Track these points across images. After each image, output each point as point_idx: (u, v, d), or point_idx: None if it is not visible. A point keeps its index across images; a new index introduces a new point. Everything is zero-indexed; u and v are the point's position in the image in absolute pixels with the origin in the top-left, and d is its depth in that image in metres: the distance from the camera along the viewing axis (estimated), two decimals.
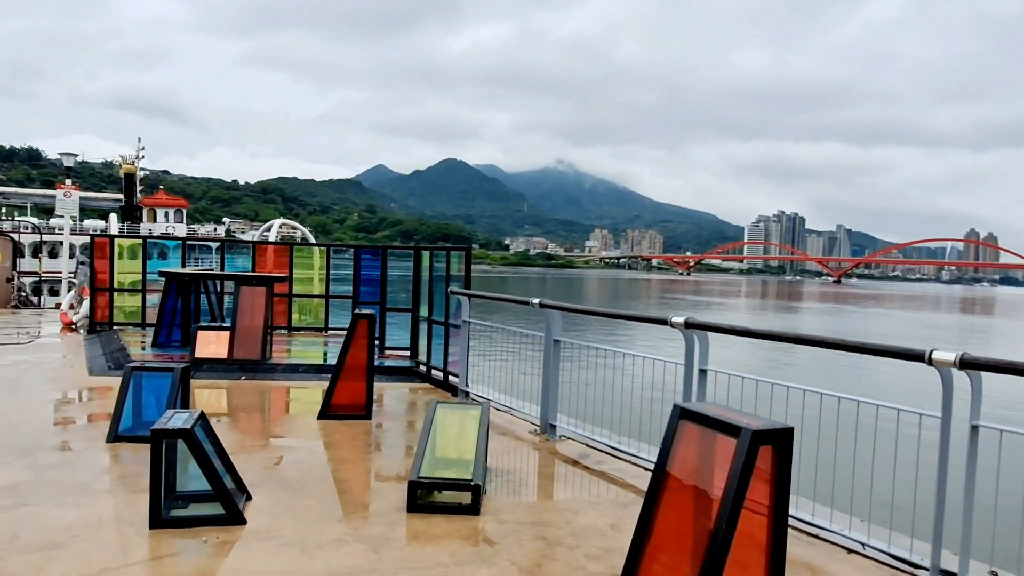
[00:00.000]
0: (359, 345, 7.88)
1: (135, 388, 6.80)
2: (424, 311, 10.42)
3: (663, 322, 5.87)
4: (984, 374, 4.00)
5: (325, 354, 12.25)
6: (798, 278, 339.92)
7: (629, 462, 6.57)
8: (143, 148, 60.54)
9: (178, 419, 4.82)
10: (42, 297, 30.35)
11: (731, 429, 3.09)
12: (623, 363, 6.99)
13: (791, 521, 3.97)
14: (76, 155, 19.25)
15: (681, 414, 3.37)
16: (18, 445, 6.28)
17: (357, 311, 7.97)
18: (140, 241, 14.19)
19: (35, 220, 53.75)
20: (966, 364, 3.95)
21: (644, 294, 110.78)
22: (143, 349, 11.28)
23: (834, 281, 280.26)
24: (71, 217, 20.17)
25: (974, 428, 4.05)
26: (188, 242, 14.90)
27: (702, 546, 3.15)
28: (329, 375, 9.90)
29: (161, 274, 12.03)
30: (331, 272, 14.11)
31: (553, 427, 7.45)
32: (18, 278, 25.75)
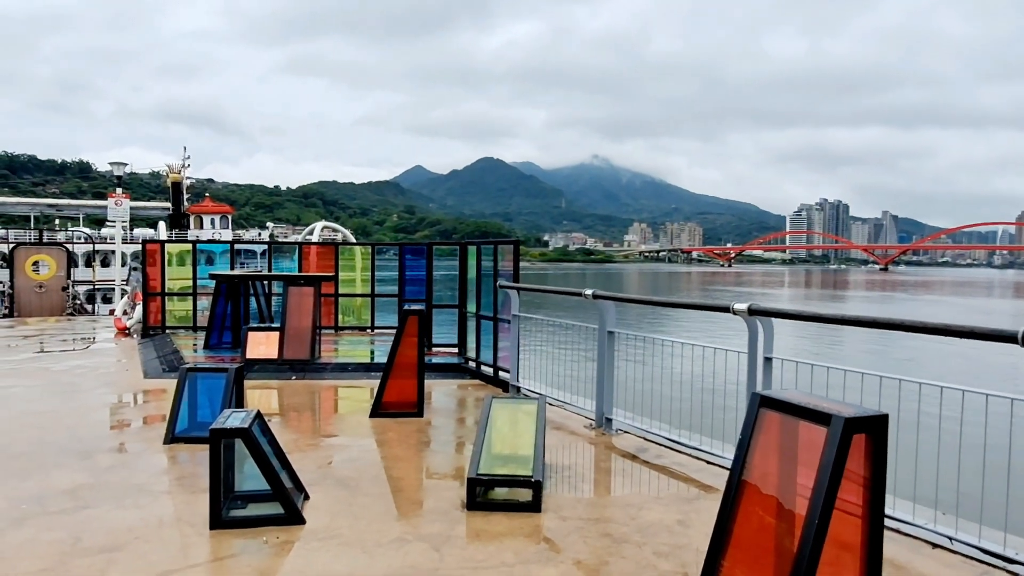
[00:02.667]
0: (409, 342, 7.80)
1: (190, 389, 6.81)
2: (472, 307, 10.29)
3: (724, 309, 5.64)
4: None
5: (372, 352, 12.24)
6: (843, 267, 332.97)
7: (690, 455, 6.36)
8: (188, 157, 61.83)
9: (235, 418, 4.77)
10: (96, 305, 31.20)
11: (820, 417, 2.87)
12: (680, 353, 6.76)
13: None
14: (126, 164, 19.62)
15: (761, 402, 3.17)
16: (77, 448, 6.33)
17: (406, 307, 7.88)
18: (189, 247, 14.38)
19: (87, 230, 55.37)
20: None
21: (685, 286, 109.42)
22: (195, 351, 11.39)
23: (881, 269, 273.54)
24: (122, 225, 20.60)
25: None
26: (235, 246, 15.01)
27: (790, 546, 2.94)
28: (378, 374, 9.88)
29: (211, 276, 12.15)
30: (374, 272, 14.11)
31: (609, 421, 7.26)
32: (72, 287, 26.46)
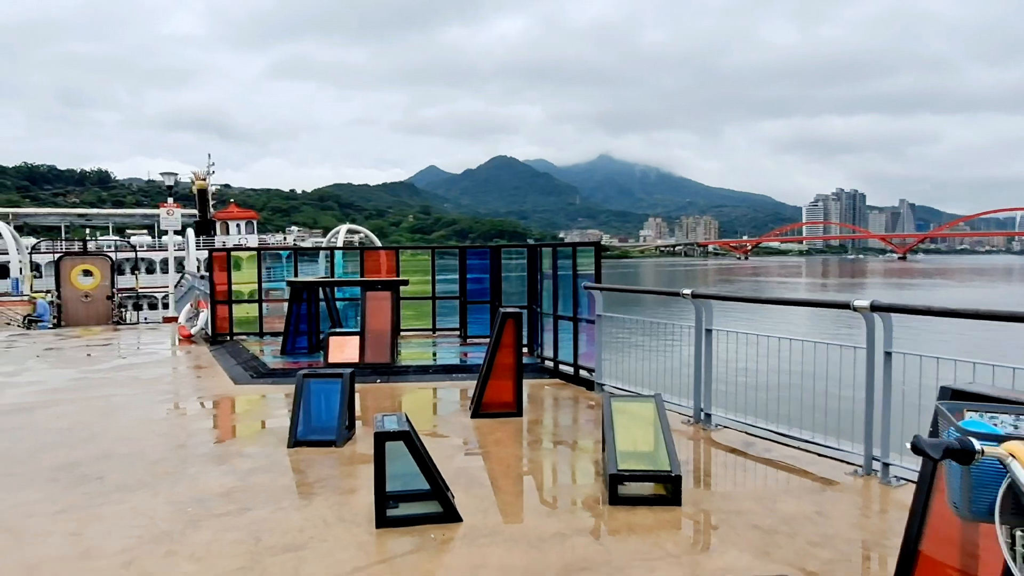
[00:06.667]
0: (507, 343, 8.00)
1: (306, 395, 7.07)
2: (548, 307, 10.50)
3: (844, 306, 5.81)
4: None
5: (434, 355, 12.46)
6: (861, 256, 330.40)
7: (797, 448, 6.51)
8: (213, 164, 62.52)
9: (391, 422, 5.00)
10: (140, 313, 31.70)
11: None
12: (776, 348, 6.91)
13: None
14: (176, 174, 20.03)
15: (953, 397, 3.32)
16: (208, 453, 6.60)
17: (503, 309, 8.09)
18: (253, 254, 14.71)
19: (115, 238, 56.14)
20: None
21: (702, 281, 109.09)
22: (274, 357, 11.66)
23: (899, 258, 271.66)
24: (175, 232, 20.99)
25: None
26: (299, 252, 15.28)
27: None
28: (461, 375, 10.25)
29: (288, 283, 12.44)
30: (435, 276, 14.35)
31: (708, 416, 7.44)
32: (118, 295, 26.92)
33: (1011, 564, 2.14)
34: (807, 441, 6.48)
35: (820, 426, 6.74)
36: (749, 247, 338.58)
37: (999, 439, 2.03)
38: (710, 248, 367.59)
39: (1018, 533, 2.09)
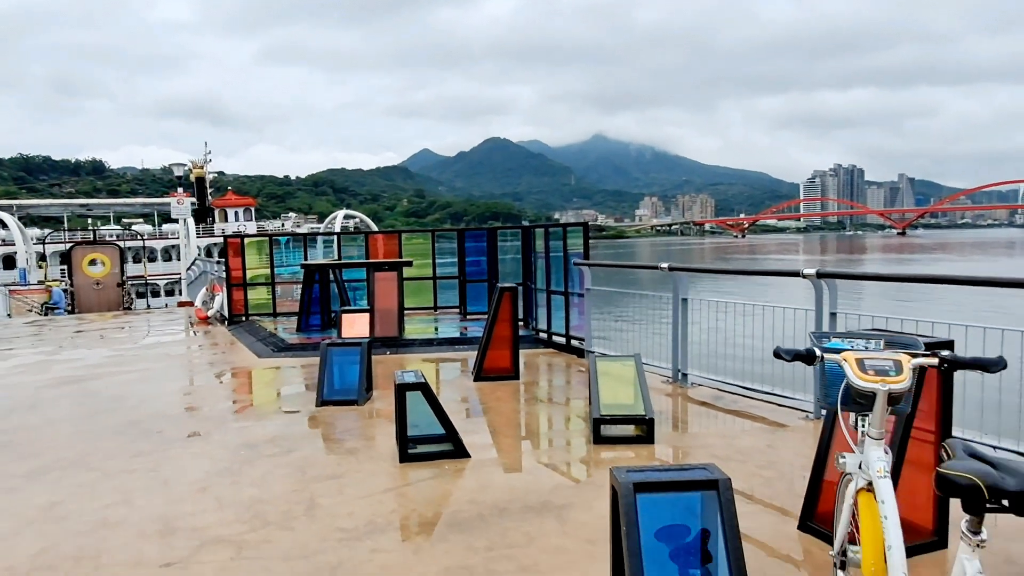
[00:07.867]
0: (504, 315, 8.95)
1: (329, 361, 8.02)
2: (541, 283, 11.46)
3: (794, 274, 6.76)
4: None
5: (436, 329, 13.41)
6: (859, 232, 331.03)
7: (760, 400, 7.49)
8: (210, 152, 63.10)
9: (408, 377, 5.96)
10: (146, 299, 32.65)
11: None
12: (742, 314, 7.87)
13: None
14: (184, 164, 20.88)
15: None
16: (247, 412, 7.57)
17: (500, 284, 9.03)
18: (260, 240, 15.62)
19: (118, 228, 56.94)
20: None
21: (698, 261, 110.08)
22: (290, 334, 12.61)
23: (899, 233, 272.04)
24: (185, 220, 21.87)
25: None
26: (308, 237, 16.23)
27: None
28: (462, 347, 11.22)
29: (302, 266, 13.38)
30: (435, 257, 15.28)
31: (685, 376, 8.41)
32: (128, 283, 27.82)
33: (850, 442, 3.11)
34: (767, 393, 7.47)
35: (779, 380, 7.73)
36: (746, 225, 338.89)
37: (839, 351, 2.99)
38: (706, 227, 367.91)
39: (859, 419, 3.06)
